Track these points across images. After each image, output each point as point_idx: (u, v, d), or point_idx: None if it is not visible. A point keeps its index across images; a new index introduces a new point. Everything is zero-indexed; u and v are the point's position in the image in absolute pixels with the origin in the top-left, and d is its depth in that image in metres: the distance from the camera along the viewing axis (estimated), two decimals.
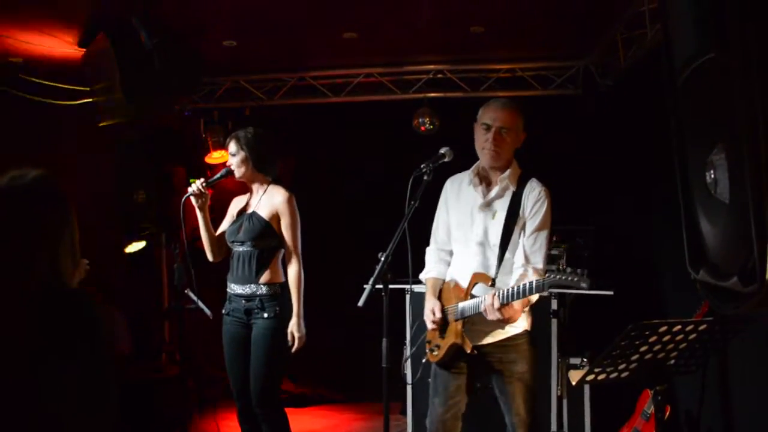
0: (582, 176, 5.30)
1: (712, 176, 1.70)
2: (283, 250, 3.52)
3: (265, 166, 3.55)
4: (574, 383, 2.68)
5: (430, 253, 3.13)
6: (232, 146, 3.54)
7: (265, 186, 3.57)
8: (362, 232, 4.02)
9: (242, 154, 3.50)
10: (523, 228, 2.85)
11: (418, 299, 4.59)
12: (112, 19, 3.91)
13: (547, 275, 2.58)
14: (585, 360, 4.25)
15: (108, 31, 3.92)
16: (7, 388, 1.48)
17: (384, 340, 2.82)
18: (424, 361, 3.23)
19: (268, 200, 3.52)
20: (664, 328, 2.34)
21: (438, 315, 2.94)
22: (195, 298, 4.26)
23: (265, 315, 3.43)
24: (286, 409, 3.69)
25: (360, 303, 2.78)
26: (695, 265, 1.88)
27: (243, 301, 3.48)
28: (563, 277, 2.52)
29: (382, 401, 5.45)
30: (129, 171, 5.10)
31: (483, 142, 2.88)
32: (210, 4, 3.79)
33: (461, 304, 2.89)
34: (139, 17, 3.89)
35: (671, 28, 1.91)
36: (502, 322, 2.77)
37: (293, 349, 3.45)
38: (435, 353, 2.99)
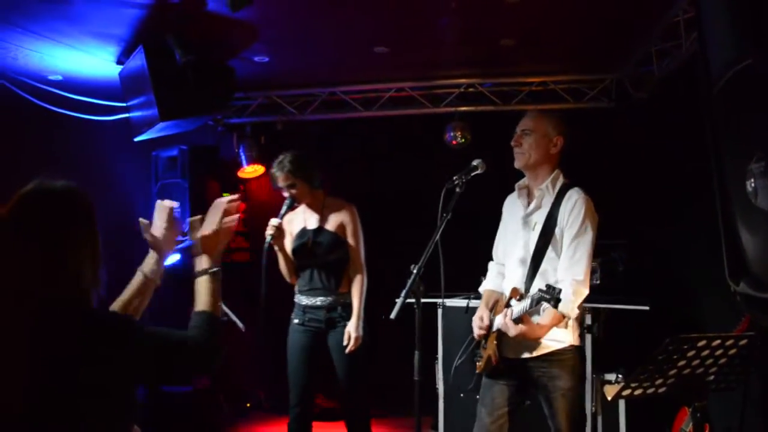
0: (616, 190, 5.22)
1: (752, 185, 1.67)
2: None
3: (316, 182, 3.77)
4: (609, 398, 2.62)
5: (491, 267, 3.17)
6: (287, 179, 3.70)
7: (322, 200, 3.79)
8: (394, 246, 4.03)
9: (298, 183, 3.70)
10: (562, 239, 2.80)
11: (450, 313, 4.58)
12: (148, 36, 3.99)
13: (550, 289, 2.51)
14: (620, 376, 4.16)
15: (144, 48, 4.00)
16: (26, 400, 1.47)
17: (416, 353, 2.81)
18: (439, 368, 3.26)
19: (332, 214, 3.76)
20: (702, 342, 2.28)
21: (486, 322, 2.93)
22: (227, 310, 4.31)
23: (348, 323, 3.67)
24: (317, 423, 3.81)
25: (392, 316, 2.78)
26: (735, 276, 1.85)
27: (324, 312, 3.71)
28: (540, 296, 2.50)
29: (414, 415, 5.44)
30: (164, 184, 5.18)
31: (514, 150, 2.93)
32: (242, 20, 3.84)
33: (497, 317, 2.88)
34: (174, 35, 3.97)
35: (707, 35, 1.89)
36: (526, 339, 2.74)
37: (348, 349, 3.63)
38: (479, 363, 2.99)
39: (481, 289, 3.17)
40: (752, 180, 1.67)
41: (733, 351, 2.35)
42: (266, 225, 5.91)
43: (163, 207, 2.13)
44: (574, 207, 2.79)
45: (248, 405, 5.74)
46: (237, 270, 5.82)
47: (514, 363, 2.86)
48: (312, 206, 3.81)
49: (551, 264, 2.81)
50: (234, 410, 5.53)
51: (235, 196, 2.02)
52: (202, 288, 1.87)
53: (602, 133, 5.33)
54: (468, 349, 3.11)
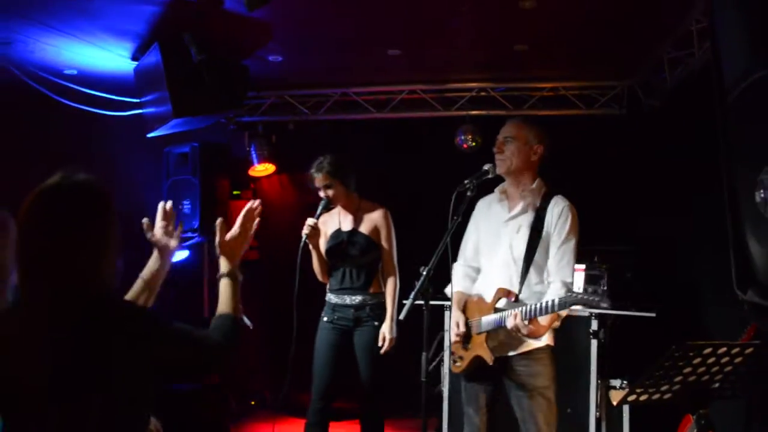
0: (625, 197, 5.24)
1: (762, 196, 1.68)
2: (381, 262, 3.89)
3: (352, 185, 3.89)
4: (615, 403, 2.66)
5: (457, 269, 3.19)
6: (324, 180, 3.82)
7: (357, 203, 3.92)
8: (403, 248, 4.05)
9: (335, 184, 3.81)
10: (548, 243, 2.92)
11: None
12: (164, 33, 4.02)
13: (569, 294, 2.61)
14: (625, 382, 4.17)
15: (160, 45, 4.04)
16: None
17: (423, 354, 2.83)
18: (445, 371, 3.36)
19: (366, 217, 3.88)
20: (708, 350, 2.29)
21: (462, 328, 3.02)
22: None
23: (376, 323, 3.79)
24: (308, 423, 3.86)
25: (401, 317, 2.83)
26: (742, 285, 1.86)
27: (352, 311, 3.81)
28: (585, 297, 2.56)
29: (420, 416, 5.47)
30: (175, 181, 5.21)
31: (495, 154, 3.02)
32: (258, 20, 3.88)
33: (484, 318, 2.95)
34: (190, 33, 4.00)
35: (721, 46, 1.91)
36: (527, 337, 2.82)
37: (383, 350, 3.75)
38: (458, 364, 3.07)
39: (448, 291, 3.21)
40: (762, 191, 1.68)
41: (739, 359, 2.35)
42: (274, 224, 5.99)
43: (161, 207, 2.25)
44: (561, 213, 2.92)
45: (252, 403, 5.76)
46: (245, 268, 5.85)
47: (497, 361, 2.94)
48: (347, 208, 3.92)
49: (537, 266, 2.93)
50: (240, 408, 5.55)
51: (257, 202, 2.04)
52: (222, 292, 1.92)
53: (612, 140, 5.34)
54: (440, 354, 3.19)
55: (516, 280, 2.93)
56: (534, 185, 2.99)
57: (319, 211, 3.83)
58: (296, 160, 5.97)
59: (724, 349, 2.31)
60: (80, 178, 1.63)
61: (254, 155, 5.73)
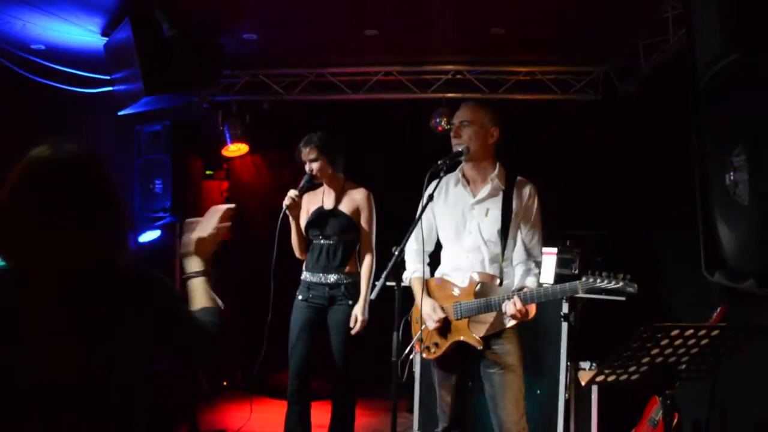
0: (597, 181, 5.29)
1: (732, 178, 1.70)
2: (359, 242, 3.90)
3: (339, 165, 3.89)
4: (583, 384, 2.69)
5: (412, 254, 3.18)
6: (311, 153, 3.82)
7: (342, 183, 3.92)
8: (378, 229, 4.04)
9: (321, 159, 3.81)
10: (518, 225, 2.98)
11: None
12: (136, 8, 3.93)
13: (589, 279, 2.63)
14: (594, 364, 4.23)
15: (131, 20, 3.95)
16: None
17: (394, 334, 2.84)
18: (412, 357, 3.37)
19: (349, 197, 3.87)
20: (676, 332, 2.32)
21: (441, 315, 3.02)
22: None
23: (350, 302, 3.80)
24: (289, 401, 3.85)
25: (372, 296, 2.83)
26: (711, 267, 1.89)
27: (327, 289, 3.82)
28: (606, 282, 2.61)
29: (390, 397, 5.48)
30: (147, 160, 5.13)
31: (452, 139, 3.05)
32: None
33: (465, 303, 2.96)
34: (162, 8, 3.93)
35: (696, 30, 1.92)
36: (518, 320, 2.87)
37: (354, 330, 3.75)
38: (433, 351, 3.08)
39: (406, 277, 3.17)
40: (732, 173, 1.70)
41: (705, 341, 2.39)
42: (247, 204, 5.94)
43: (217, 210, 2.00)
44: (530, 195, 3.00)
45: (225, 384, 5.74)
46: (219, 248, 5.80)
47: (463, 345, 2.98)
48: (331, 186, 3.91)
49: (509, 247, 2.97)
50: (212, 389, 5.53)
51: (232, 206, 1.99)
52: (199, 289, 1.88)
53: (587, 125, 5.38)
54: (414, 342, 3.17)
55: (488, 262, 2.96)
56: (497, 169, 3.02)
57: (302, 185, 3.81)
58: (270, 141, 5.94)
59: (691, 331, 2.35)
60: (73, 150, 1.58)
61: (227, 135, 5.66)
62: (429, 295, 3.11)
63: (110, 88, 4.58)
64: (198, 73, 4.29)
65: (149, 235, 5.13)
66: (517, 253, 2.99)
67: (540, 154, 5.19)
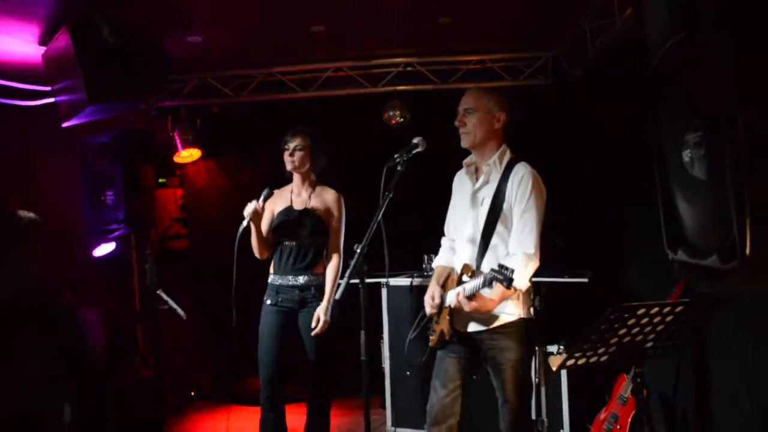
0: (555, 166, 5.32)
1: (689, 155, 1.70)
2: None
3: (317, 165, 3.82)
4: (554, 368, 2.68)
5: (443, 243, 3.17)
6: (299, 140, 3.73)
7: (313, 183, 3.83)
8: None
9: (306, 151, 3.73)
10: (511, 213, 2.82)
11: (395, 292, 4.59)
12: (73, 15, 3.79)
13: (496, 271, 2.55)
14: (562, 347, 4.27)
15: (69, 28, 3.81)
16: None
17: (362, 333, 2.81)
18: (386, 352, 3.36)
19: (320, 199, 3.79)
20: (642, 311, 2.35)
21: (437, 300, 2.95)
22: (167, 298, 4.21)
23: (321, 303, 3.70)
24: (262, 408, 3.76)
25: (336, 296, 2.77)
26: (673, 245, 1.89)
27: (297, 292, 3.73)
28: (492, 276, 2.56)
29: (361, 395, 5.45)
30: (96, 172, 4.98)
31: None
32: None
33: (449, 293, 2.91)
34: (102, 13, 3.80)
35: (644, 9, 1.92)
36: (479, 313, 2.78)
37: (314, 332, 3.67)
38: (432, 338, 3.02)
39: (434, 264, 3.19)
40: (688, 150, 1.70)
41: (670, 318, 2.42)
42: (203, 211, 5.83)
43: None
44: (521, 181, 2.80)
45: (192, 394, 5.63)
46: (175, 257, 5.69)
47: (466, 336, 2.91)
48: (302, 184, 3.81)
49: (501, 238, 2.83)
50: (178, 400, 5.41)
51: None
52: None
53: (539, 110, 5.42)
54: (420, 325, 3.12)
55: (478, 253, 2.87)
56: (496, 155, 2.89)
57: (261, 199, 3.66)
58: (223, 144, 5.84)
59: (657, 309, 2.38)
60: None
61: (178, 141, 5.53)
62: (443, 283, 3.02)
63: (52, 100, 4.42)
64: (142, 78, 4.17)
65: (104, 249, 4.99)
66: (510, 243, 2.83)
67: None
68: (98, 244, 4.95)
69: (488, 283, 2.63)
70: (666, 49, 1.78)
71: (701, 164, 1.65)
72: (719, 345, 3.27)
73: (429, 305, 2.98)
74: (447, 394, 2.97)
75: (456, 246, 3.08)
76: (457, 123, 2.91)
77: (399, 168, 2.86)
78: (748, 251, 1.45)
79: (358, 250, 2.76)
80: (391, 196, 2.86)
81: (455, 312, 2.89)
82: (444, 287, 2.99)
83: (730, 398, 3.29)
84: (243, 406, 5.44)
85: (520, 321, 2.88)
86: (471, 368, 2.99)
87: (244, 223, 3.60)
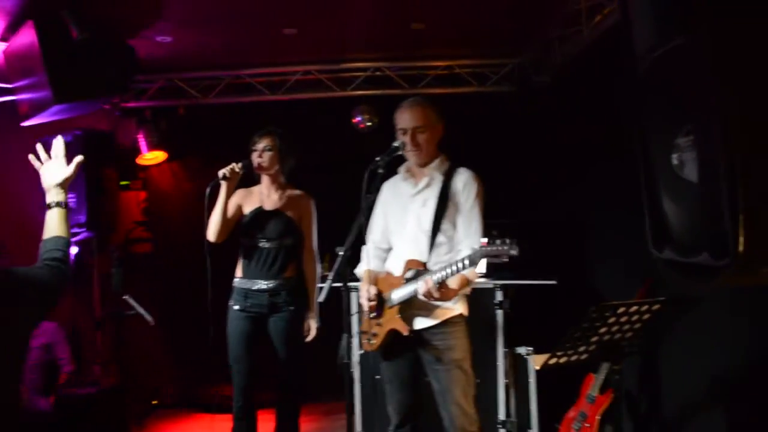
0: (517, 171, 5.43)
1: (679, 158, 1.76)
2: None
3: (286, 167, 3.76)
4: (537, 368, 2.76)
5: (366, 251, 3.15)
6: (268, 141, 3.67)
7: (283, 185, 3.77)
8: None
9: (274, 153, 3.67)
10: (455, 213, 2.96)
11: None
12: (39, 10, 3.68)
13: (476, 250, 2.62)
14: (531, 349, 4.34)
15: (35, 23, 3.70)
16: None
17: (344, 335, 2.80)
18: (360, 352, 3.37)
19: (291, 201, 3.73)
20: (622, 309, 2.42)
21: (373, 292, 2.99)
22: (135, 303, 4.12)
23: (292, 308, 3.64)
24: (230, 415, 3.73)
25: (320, 299, 2.78)
26: (659, 244, 1.95)
27: (267, 296, 3.63)
28: (492, 248, 2.57)
29: (328, 401, 5.40)
30: None
31: (405, 146, 2.98)
32: None
33: (395, 291, 2.96)
34: (69, 9, 3.70)
35: (631, 15, 1.98)
36: (438, 301, 2.81)
37: (308, 339, 3.68)
38: (372, 342, 3.05)
39: (359, 272, 3.18)
40: (679, 153, 1.77)
41: (647, 316, 2.51)
42: (168, 214, 5.72)
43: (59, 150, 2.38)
44: (466, 183, 2.98)
45: (154, 402, 5.51)
46: (139, 261, 5.57)
47: (409, 337, 2.94)
48: (271, 186, 3.74)
49: (446, 236, 2.96)
50: (140, 409, 5.28)
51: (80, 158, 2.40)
52: (58, 219, 2.24)
53: (505, 116, 5.52)
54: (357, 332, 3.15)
55: (425, 252, 2.95)
56: (438, 160, 3.03)
57: (240, 165, 3.58)
58: (188, 147, 5.75)
59: (636, 307, 2.46)
60: None
61: (143, 143, 5.42)
62: (376, 283, 3.08)
63: (12, 98, 4.27)
64: (110, 77, 4.07)
65: None
66: (457, 240, 2.96)
67: (462, 146, 5.27)
68: None
69: (467, 266, 2.66)
70: (656, 56, 1.84)
71: (692, 166, 1.71)
72: (685, 342, 3.37)
73: (365, 299, 3.01)
74: (406, 395, 3.04)
75: (393, 248, 3.13)
76: (410, 144, 2.96)
77: (380, 171, 2.89)
78: (740, 248, 1.51)
79: (341, 253, 2.77)
80: (373, 198, 2.91)
81: (403, 309, 2.93)
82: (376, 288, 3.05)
83: (691, 394, 3.40)
84: (207, 414, 5.36)
85: (461, 317, 3.00)
86: (418, 368, 3.05)
87: (218, 179, 3.51)
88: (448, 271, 2.73)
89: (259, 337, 3.68)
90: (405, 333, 2.91)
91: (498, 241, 2.57)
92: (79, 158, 2.37)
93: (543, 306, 4.60)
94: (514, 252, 2.58)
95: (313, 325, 3.65)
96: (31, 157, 2.36)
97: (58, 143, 2.38)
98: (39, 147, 2.38)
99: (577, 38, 4.33)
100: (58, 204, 2.25)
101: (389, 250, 3.18)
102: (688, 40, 1.66)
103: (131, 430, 4.85)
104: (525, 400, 4.35)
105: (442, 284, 2.77)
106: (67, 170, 2.31)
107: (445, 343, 2.94)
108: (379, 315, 3.02)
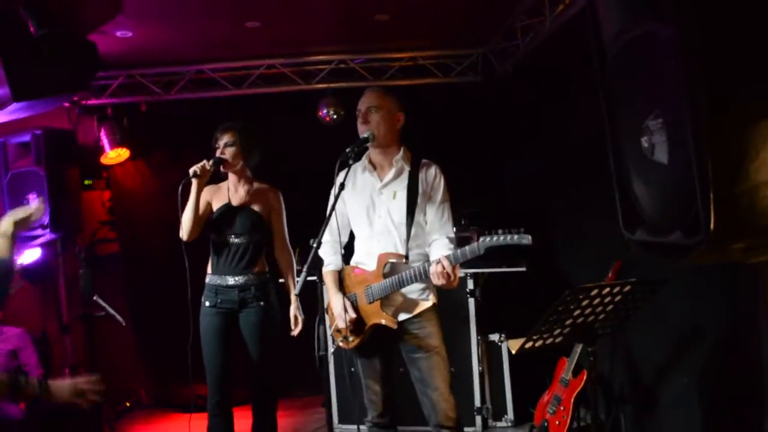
0: (481, 161, 5.49)
1: (649, 141, 1.81)
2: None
3: (252, 161, 3.70)
4: (513, 352, 2.78)
5: (326, 246, 3.13)
6: (228, 136, 3.62)
7: (249, 180, 3.73)
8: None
9: (237, 147, 3.61)
10: (425, 205, 3.00)
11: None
12: None
13: (486, 238, 2.66)
14: (503, 335, 4.40)
15: None
16: None
17: (321, 327, 2.79)
18: (332, 351, 3.44)
19: (258, 195, 3.69)
20: (595, 291, 2.47)
21: (352, 314, 2.98)
22: (105, 305, 4.05)
23: (262, 303, 3.62)
24: (203, 414, 3.73)
25: (295, 292, 2.77)
26: (630, 226, 2.00)
27: (237, 292, 3.61)
28: (504, 237, 2.62)
29: (301, 396, 5.38)
30: (16, 174, 4.72)
31: (358, 126, 3.02)
32: None
33: (375, 285, 2.96)
34: (27, 5, 3.60)
35: (598, 2, 2.02)
36: (445, 287, 2.82)
37: (296, 331, 3.63)
38: (351, 340, 3.04)
39: (325, 270, 3.13)
40: (648, 136, 1.81)
41: (619, 298, 2.56)
42: (134, 213, 5.62)
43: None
44: (435, 175, 3.03)
45: (128, 404, 5.42)
46: (105, 262, 5.47)
47: (385, 328, 2.95)
48: (238, 181, 3.70)
49: (420, 227, 3.00)
50: (114, 411, 5.20)
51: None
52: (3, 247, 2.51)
53: (468, 106, 5.56)
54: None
55: (401, 244, 2.97)
56: (401, 152, 3.04)
57: (214, 161, 3.54)
58: (152, 144, 5.65)
59: (608, 289, 2.51)
60: None
61: (105, 141, 5.31)
62: (342, 282, 3.09)
63: None
64: (70, 74, 3.97)
65: (29, 256, 4.73)
66: (430, 231, 3.00)
67: (427, 137, 5.30)
68: (22, 251, 4.68)
69: (485, 246, 2.66)
70: (625, 42, 1.88)
71: (662, 148, 1.75)
72: (653, 321, 3.45)
73: (342, 319, 2.99)
74: (383, 387, 3.07)
75: (359, 241, 3.12)
76: (360, 120, 3.01)
77: (351, 162, 2.89)
78: (712, 226, 1.55)
79: (315, 246, 2.76)
80: (344, 189, 2.91)
81: (385, 303, 2.95)
82: (343, 289, 3.08)
83: (661, 374, 3.49)
84: (183, 413, 5.29)
85: (434, 306, 3.05)
86: (392, 362, 3.09)
87: (187, 178, 3.45)
88: (463, 252, 2.73)
89: (231, 333, 3.66)
90: (394, 326, 2.92)
91: (508, 231, 2.62)
92: (40, 206, 2.75)
93: (513, 293, 4.67)
94: (525, 241, 2.61)
95: (299, 316, 3.60)
96: None
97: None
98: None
99: (540, 28, 4.38)
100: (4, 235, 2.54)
101: (346, 241, 3.17)
102: (658, 24, 1.70)
103: None
104: (500, 387, 4.43)
105: (454, 267, 2.79)
106: (29, 210, 2.65)
107: (423, 332, 2.98)
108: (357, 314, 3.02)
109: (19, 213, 2.66)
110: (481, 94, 5.53)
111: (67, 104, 5.21)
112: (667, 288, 2.72)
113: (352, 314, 2.98)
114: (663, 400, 3.46)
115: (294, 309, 3.62)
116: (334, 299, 3.04)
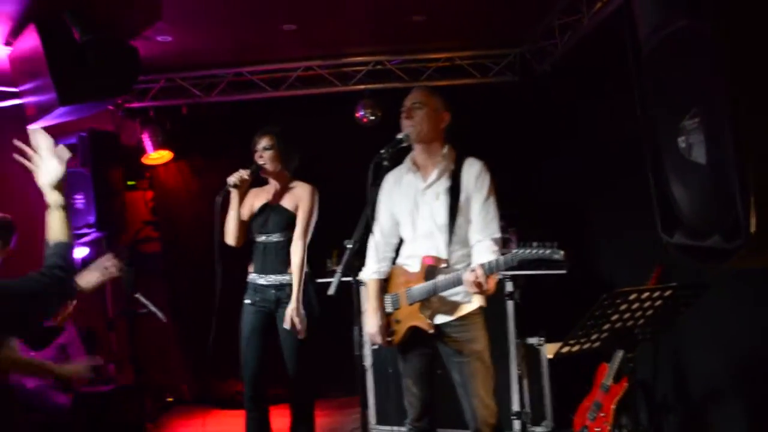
0: (521, 160, 5.42)
1: (686, 141, 1.76)
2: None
3: (290, 163, 3.74)
4: (550, 356, 2.74)
5: (374, 249, 3.11)
6: (267, 140, 3.67)
7: (288, 181, 3.77)
8: (316, 224, 3.98)
9: (274, 151, 3.66)
10: (469, 206, 2.91)
11: None
12: (42, 13, 3.69)
13: (520, 250, 2.61)
14: (542, 339, 4.34)
15: (38, 26, 3.70)
16: None
17: (356, 328, 2.80)
18: (375, 347, 3.36)
19: (291, 193, 3.73)
20: (634, 296, 2.42)
21: (381, 340, 3.00)
22: (147, 302, 4.14)
23: None
24: (242, 411, 3.77)
25: (330, 292, 2.78)
26: (668, 229, 1.95)
27: (273, 291, 3.66)
28: (537, 251, 2.57)
29: (338, 396, 5.40)
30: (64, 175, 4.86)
31: (402, 122, 2.97)
32: None
33: (415, 288, 2.93)
34: (71, 12, 3.70)
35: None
36: (480, 294, 2.79)
37: (300, 334, 3.61)
38: (389, 339, 3.04)
39: (365, 277, 3.13)
40: (685, 136, 1.76)
41: (659, 302, 2.50)
42: (175, 213, 5.73)
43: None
44: (479, 174, 2.92)
45: (170, 399, 5.54)
46: (147, 260, 5.59)
47: (434, 332, 2.93)
48: (279, 183, 3.76)
49: (462, 229, 2.92)
50: (156, 406, 5.32)
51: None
52: (60, 221, 2.20)
53: (507, 106, 5.50)
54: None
55: (443, 247, 2.91)
56: (445, 151, 2.99)
57: (249, 171, 3.59)
58: (194, 145, 5.75)
59: (647, 293, 2.45)
60: None
61: (148, 142, 5.42)
62: (388, 282, 3.06)
63: (18, 101, 4.28)
64: (114, 78, 4.06)
65: (77, 254, 4.87)
66: (473, 232, 2.91)
67: (467, 137, 5.27)
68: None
69: (517, 258, 2.64)
70: (660, 39, 1.83)
71: (700, 148, 1.71)
72: (698, 327, 3.36)
73: (377, 341, 3.02)
74: (422, 389, 3.04)
75: (405, 243, 3.09)
76: (404, 116, 2.97)
77: (385, 163, 2.87)
78: (752, 229, 1.50)
79: (350, 246, 2.76)
80: (379, 190, 2.90)
81: (424, 306, 2.92)
82: (388, 288, 3.06)
83: (705, 378, 3.39)
84: (222, 410, 5.39)
85: (480, 310, 2.98)
86: (435, 362, 3.05)
87: (225, 188, 3.52)
88: (497, 262, 2.69)
89: (269, 331, 3.70)
90: (430, 330, 2.90)
91: (539, 244, 2.58)
92: (67, 155, 2.32)
93: (553, 296, 4.59)
94: (557, 256, 2.56)
95: (296, 319, 3.55)
96: (16, 156, 2.35)
97: (43, 140, 2.35)
98: (16, 142, 2.36)
99: (578, 26, 4.31)
100: (56, 206, 2.21)
101: (398, 243, 3.15)
102: (694, 21, 1.65)
103: (147, 427, 4.89)
104: (539, 391, 4.35)
105: (490, 276, 2.74)
106: (57, 169, 2.26)
107: (465, 335, 2.92)
108: (397, 313, 3.02)
109: (49, 173, 2.31)
110: (519, 94, 5.46)
111: (111, 107, 5.33)
112: (714, 292, 2.65)
113: (382, 339, 3.01)
114: (708, 409, 3.36)
115: (290, 309, 3.57)
116: (371, 322, 3.04)
